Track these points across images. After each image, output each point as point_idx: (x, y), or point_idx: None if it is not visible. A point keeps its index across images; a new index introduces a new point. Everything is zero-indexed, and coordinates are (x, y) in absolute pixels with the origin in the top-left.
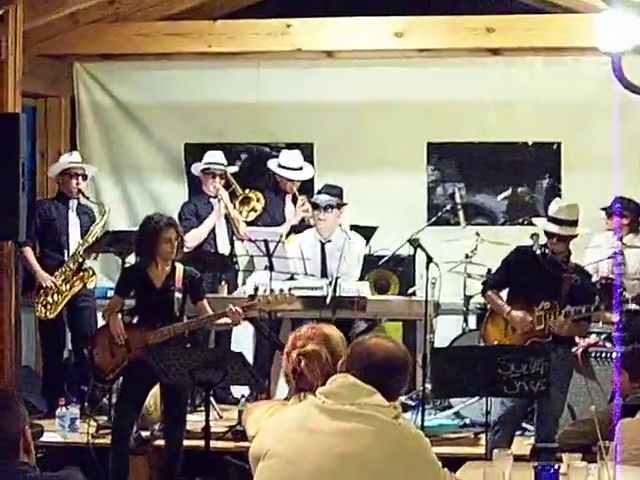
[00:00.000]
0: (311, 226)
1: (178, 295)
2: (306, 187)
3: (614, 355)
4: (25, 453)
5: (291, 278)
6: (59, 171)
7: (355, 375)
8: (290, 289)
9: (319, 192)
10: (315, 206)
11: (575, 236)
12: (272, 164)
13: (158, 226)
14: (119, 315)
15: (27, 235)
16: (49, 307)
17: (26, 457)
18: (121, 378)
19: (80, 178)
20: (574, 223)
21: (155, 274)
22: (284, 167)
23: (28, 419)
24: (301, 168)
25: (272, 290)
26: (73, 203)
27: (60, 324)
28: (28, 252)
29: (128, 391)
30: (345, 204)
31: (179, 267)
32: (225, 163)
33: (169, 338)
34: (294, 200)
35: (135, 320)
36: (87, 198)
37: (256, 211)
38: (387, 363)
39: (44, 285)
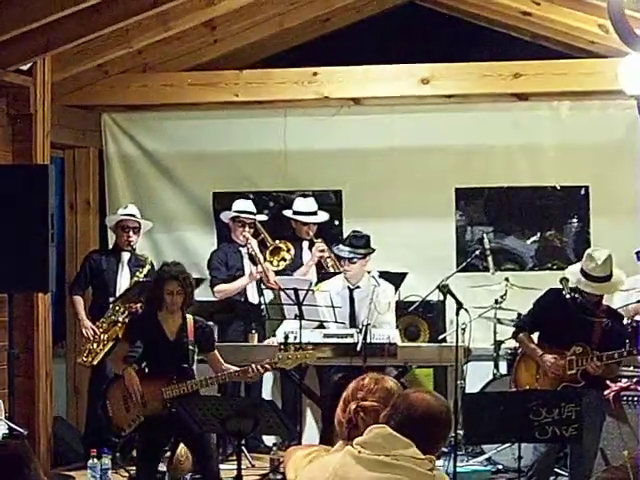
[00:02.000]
0: (337, 273)
1: (191, 348)
2: (334, 233)
3: None
4: None
5: (320, 326)
6: (113, 223)
7: (394, 427)
8: (307, 343)
9: (344, 241)
10: (339, 257)
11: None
12: (288, 212)
13: (163, 276)
14: (134, 366)
15: (77, 284)
16: (91, 355)
17: None
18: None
19: (131, 231)
20: (609, 277)
21: (167, 325)
22: (298, 213)
23: (43, 476)
24: (315, 213)
25: (288, 345)
26: (125, 255)
27: (104, 374)
28: (77, 301)
29: (146, 447)
30: (371, 252)
31: (189, 318)
32: (254, 211)
33: (185, 393)
34: (311, 246)
35: (147, 370)
36: (133, 251)
37: (285, 260)
38: (427, 418)
39: (83, 333)
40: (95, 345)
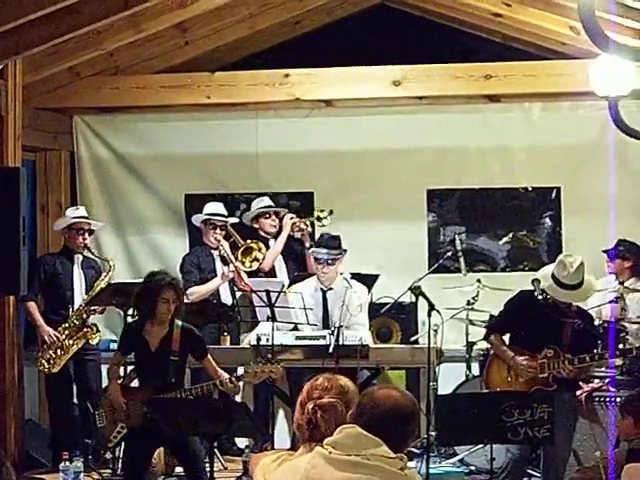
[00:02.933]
0: (312, 274)
1: (174, 358)
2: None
3: (618, 399)
4: None
5: (294, 328)
6: (64, 226)
7: (362, 426)
8: (279, 345)
9: (319, 244)
10: (317, 260)
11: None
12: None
13: (158, 285)
14: (120, 380)
15: (31, 290)
16: (52, 362)
17: None
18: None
19: (86, 233)
20: (580, 284)
21: (151, 336)
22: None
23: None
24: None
25: (259, 348)
26: (78, 258)
27: (66, 377)
28: (32, 306)
29: (132, 456)
30: (344, 252)
31: (177, 325)
32: (226, 214)
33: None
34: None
35: (135, 383)
36: (92, 253)
37: (258, 260)
38: (394, 414)
39: (46, 339)
40: (58, 352)
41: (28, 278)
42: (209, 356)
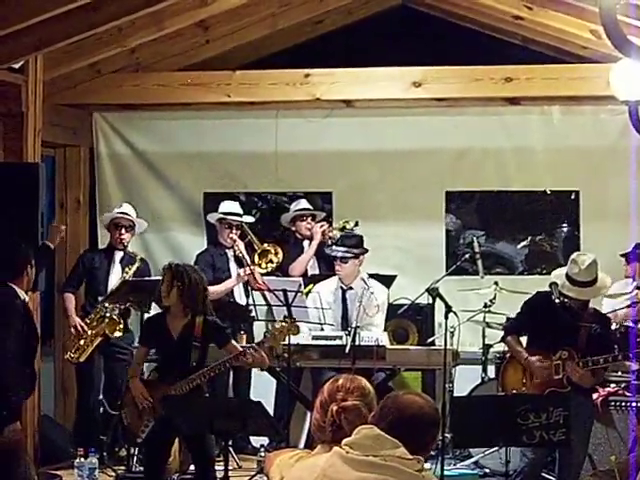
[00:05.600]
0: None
1: (196, 344)
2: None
3: (633, 404)
4: None
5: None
6: (108, 221)
7: (384, 429)
8: (296, 344)
9: (336, 242)
10: (333, 258)
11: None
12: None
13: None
14: (142, 376)
15: (69, 283)
16: (78, 352)
17: None
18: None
19: (124, 230)
20: (593, 282)
21: (173, 325)
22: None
23: (34, 473)
24: (241, 215)
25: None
26: (118, 254)
27: (97, 373)
28: (67, 298)
29: (153, 449)
30: (364, 252)
31: (199, 317)
32: (241, 213)
33: (190, 390)
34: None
35: (157, 375)
36: (124, 249)
37: (273, 263)
38: (417, 420)
39: (71, 327)
40: (82, 342)
41: (70, 272)
42: (233, 341)
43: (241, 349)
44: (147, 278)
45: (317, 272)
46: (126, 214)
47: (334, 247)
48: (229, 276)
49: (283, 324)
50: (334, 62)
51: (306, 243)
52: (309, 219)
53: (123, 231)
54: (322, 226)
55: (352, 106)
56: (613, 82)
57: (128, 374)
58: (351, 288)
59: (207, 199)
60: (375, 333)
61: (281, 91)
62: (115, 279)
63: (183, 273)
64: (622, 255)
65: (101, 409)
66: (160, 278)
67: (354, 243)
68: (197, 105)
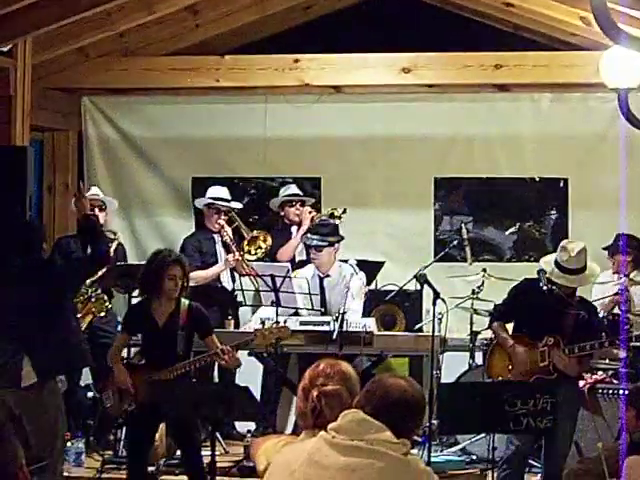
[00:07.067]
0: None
1: (182, 333)
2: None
3: (621, 392)
4: None
5: (296, 313)
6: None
7: (369, 413)
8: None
9: (312, 230)
10: (308, 246)
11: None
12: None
13: (164, 262)
14: (123, 360)
15: None
16: None
17: None
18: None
19: (96, 210)
20: (582, 269)
21: (158, 312)
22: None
23: (22, 451)
24: (229, 200)
25: (263, 323)
26: None
27: None
28: None
29: (137, 433)
30: (339, 240)
31: (184, 303)
32: (229, 199)
33: (173, 378)
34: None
35: (142, 361)
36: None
37: (262, 249)
38: (402, 404)
39: None
40: None
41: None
42: (213, 336)
43: (218, 346)
44: (135, 262)
45: (304, 258)
46: (94, 194)
47: (309, 235)
48: (216, 261)
49: (274, 328)
50: (323, 47)
51: (294, 229)
52: (298, 205)
53: (96, 211)
54: (310, 212)
55: (341, 92)
56: (603, 70)
57: (110, 359)
58: (328, 275)
59: (195, 184)
60: (364, 319)
61: (270, 76)
62: None
63: (185, 264)
64: (604, 248)
65: (90, 393)
66: (145, 263)
67: (329, 231)
68: (186, 90)
